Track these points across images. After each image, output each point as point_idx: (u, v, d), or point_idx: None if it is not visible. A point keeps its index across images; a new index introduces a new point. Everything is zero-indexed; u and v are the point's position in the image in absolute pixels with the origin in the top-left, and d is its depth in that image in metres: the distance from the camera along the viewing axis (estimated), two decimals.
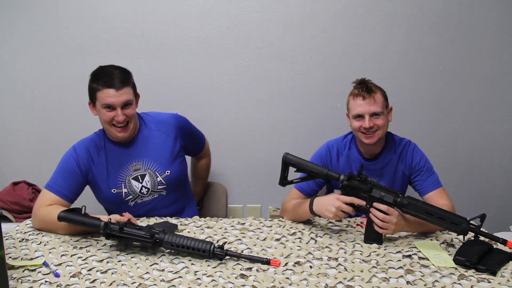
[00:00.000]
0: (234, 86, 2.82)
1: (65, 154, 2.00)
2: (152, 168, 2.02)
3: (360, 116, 1.96)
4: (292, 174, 1.88)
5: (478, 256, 1.52)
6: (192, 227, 1.90)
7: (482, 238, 1.67)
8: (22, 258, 1.59)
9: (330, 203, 1.76)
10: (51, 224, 1.80)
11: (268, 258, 1.55)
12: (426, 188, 2.02)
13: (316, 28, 2.73)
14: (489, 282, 1.44)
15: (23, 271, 1.49)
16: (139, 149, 2.03)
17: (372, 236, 1.74)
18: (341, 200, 1.75)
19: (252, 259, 1.57)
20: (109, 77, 1.90)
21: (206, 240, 1.64)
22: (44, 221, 1.83)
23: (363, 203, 1.74)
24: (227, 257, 1.59)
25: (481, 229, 1.62)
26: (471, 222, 1.62)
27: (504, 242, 1.56)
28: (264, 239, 1.77)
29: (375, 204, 1.73)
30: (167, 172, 2.03)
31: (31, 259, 1.58)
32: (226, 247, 1.68)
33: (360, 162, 2.07)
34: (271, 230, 1.87)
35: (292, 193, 2.08)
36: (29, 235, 1.80)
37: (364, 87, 1.96)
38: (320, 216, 2.09)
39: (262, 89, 2.82)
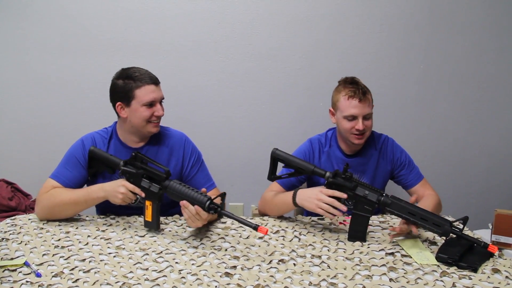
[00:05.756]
0: (216, 85, 2.81)
1: (72, 146, 2.00)
2: None
3: (353, 118, 1.97)
4: (280, 169, 1.91)
5: (460, 254, 1.54)
6: (173, 226, 1.89)
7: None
8: (2, 258, 1.56)
9: (313, 195, 1.78)
10: (56, 206, 1.86)
11: (257, 224, 1.56)
12: (412, 181, 2.09)
13: (298, 27, 2.74)
14: (470, 278, 1.46)
15: (3, 271, 1.46)
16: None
17: (356, 234, 1.75)
18: (323, 192, 1.76)
19: (242, 222, 1.60)
20: (145, 74, 1.92)
21: (205, 195, 1.68)
22: (48, 206, 1.87)
23: (344, 196, 1.74)
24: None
25: (463, 231, 1.63)
26: (454, 224, 1.64)
27: (485, 246, 1.56)
28: (247, 237, 1.77)
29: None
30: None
31: (12, 258, 1.55)
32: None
33: (340, 159, 2.10)
34: None
35: (272, 186, 2.07)
36: (10, 234, 1.76)
37: (360, 89, 1.97)
38: (302, 215, 2.10)
39: (244, 87, 2.82)
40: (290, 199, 1.87)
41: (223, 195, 1.69)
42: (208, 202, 1.66)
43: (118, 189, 1.79)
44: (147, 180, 1.80)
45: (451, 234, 1.61)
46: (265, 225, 1.91)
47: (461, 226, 1.63)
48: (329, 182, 1.78)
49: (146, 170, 1.80)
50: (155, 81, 1.93)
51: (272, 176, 1.93)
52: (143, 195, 1.78)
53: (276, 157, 1.90)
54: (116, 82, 1.93)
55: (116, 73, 1.96)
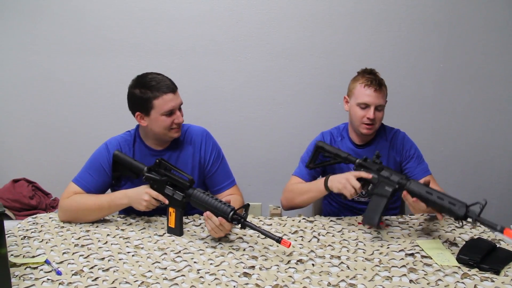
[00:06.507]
0: (235, 84, 2.81)
1: (97, 151, 1.99)
2: None
3: (366, 106, 2.02)
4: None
5: (482, 255, 1.52)
6: (191, 226, 1.89)
7: (482, 230, 1.67)
8: (24, 256, 1.58)
9: (342, 176, 1.87)
10: (78, 211, 1.87)
11: (280, 237, 1.56)
12: (417, 174, 2.09)
13: (316, 26, 2.73)
14: (493, 281, 1.44)
15: (25, 269, 1.49)
16: (167, 158, 1.96)
17: (370, 215, 1.76)
18: (352, 174, 1.84)
19: (265, 234, 1.60)
20: (161, 83, 1.88)
21: (228, 205, 1.69)
22: (71, 210, 1.88)
23: (369, 176, 1.81)
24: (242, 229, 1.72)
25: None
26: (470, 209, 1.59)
27: (501, 229, 1.51)
28: (266, 237, 1.76)
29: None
30: None
31: (33, 256, 1.58)
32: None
33: (351, 150, 2.14)
34: (271, 229, 1.87)
35: (292, 179, 2.15)
36: (31, 232, 1.79)
37: (377, 80, 2.03)
38: (321, 215, 2.09)
39: (262, 87, 2.82)
40: (321, 185, 1.94)
41: (246, 207, 1.68)
42: (231, 213, 1.66)
43: (142, 196, 1.80)
44: (170, 187, 1.80)
45: (472, 235, 1.58)
46: (284, 225, 1.90)
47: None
48: (358, 163, 1.88)
49: (169, 178, 1.80)
50: (172, 89, 1.89)
51: (310, 165, 2.05)
52: (166, 202, 1.79)
53: (318, 149, 2.02)
54: (133, 91, 1.90)
55: (132, 81, 1.93)
